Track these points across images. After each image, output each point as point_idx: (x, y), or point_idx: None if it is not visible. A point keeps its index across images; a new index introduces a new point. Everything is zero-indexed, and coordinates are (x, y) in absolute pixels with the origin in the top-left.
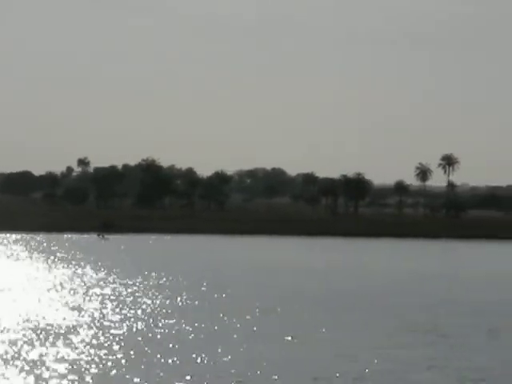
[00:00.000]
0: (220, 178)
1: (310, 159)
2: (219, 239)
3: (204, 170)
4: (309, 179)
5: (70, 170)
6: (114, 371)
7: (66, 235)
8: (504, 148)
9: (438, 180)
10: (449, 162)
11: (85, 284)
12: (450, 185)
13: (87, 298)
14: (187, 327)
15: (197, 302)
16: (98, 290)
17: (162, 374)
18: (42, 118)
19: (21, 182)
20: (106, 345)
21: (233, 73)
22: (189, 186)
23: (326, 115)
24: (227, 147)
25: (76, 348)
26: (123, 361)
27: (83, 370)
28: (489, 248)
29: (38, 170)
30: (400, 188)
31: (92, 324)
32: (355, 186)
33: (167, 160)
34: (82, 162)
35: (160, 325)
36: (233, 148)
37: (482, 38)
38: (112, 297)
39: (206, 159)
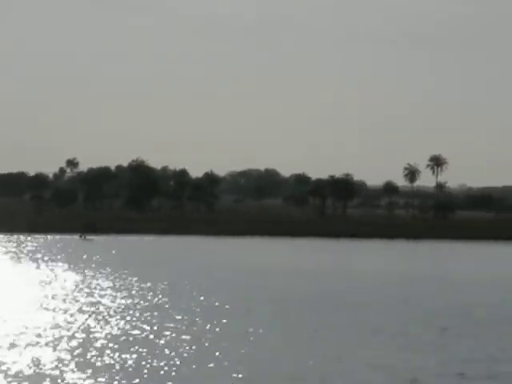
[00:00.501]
0: (210, 180)
1: (304, 160)
2: (207, 240)
3: (198, 172)
4: (300, 180)
5: (62, 171)
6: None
7: (49, 236)
8: (499, 148)
9: (432, 181)
10: (437, 162)
11: (48, 282)
12: (439, 185)
13: (46, 297)
14: (169, 326)
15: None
16: (61, 291)
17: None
18: (40, 119)
19: (14, 184)
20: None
21: (229, 73)
22: (178, 188)
23: (321, 116)
24: (222, 148)
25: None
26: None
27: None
28: (474, 249)
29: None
30: (389, 189)
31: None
32: (343, 187)
33: (161, 161)
34: (71, 163)
35: (139, 325)
36: (227, 149)
37: (477, 38)
38: (79, 298)
39: (200, 160)
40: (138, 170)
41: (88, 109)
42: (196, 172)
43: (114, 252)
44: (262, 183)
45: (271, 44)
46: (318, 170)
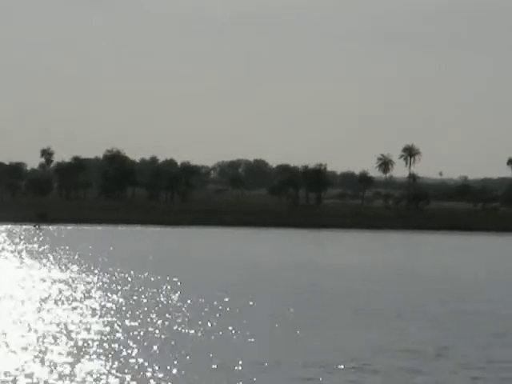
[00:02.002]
0: (186, 170)
1: (291, 151)
2: (174, 230)
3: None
4: (284, 171)
5: (49, 161)
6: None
7: (5, 226)
8: (484, 141)
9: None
10: (410, 153)
11: None
12: (412, 176)
13: None
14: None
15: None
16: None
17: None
18: (16, 108)
19: None
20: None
21: (219, 67)
22: (152, 178)
23: (309, 108)
24: (213, 138)
25: None
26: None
27: None
28: (443, 240)
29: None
30: (364, 179)
31: None
32: (316, 178)
33: (149, 152)
34: (46, 153)
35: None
36: (219, 139)
37: (451, 32)
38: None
39: (190, 150)
40: (114, 160)
41: (69, 98)
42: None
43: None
44: (250, 174)
45: (259, 39)
46: (305, 160)
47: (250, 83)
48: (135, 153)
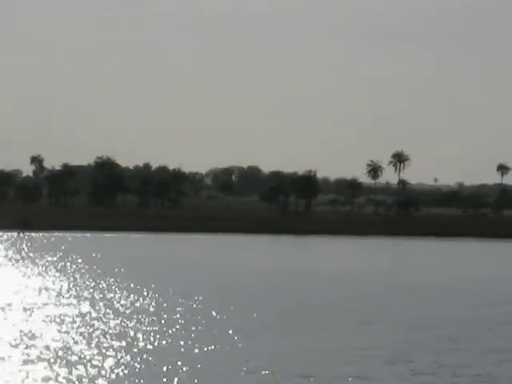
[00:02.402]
0: (175, 177)
1: (286, 157)
2: (161, 237)
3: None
4: (276, 177)
5: (42, 168)
6: None
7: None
8: (481, 146)
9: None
10: (399, 159)
11: None
12: (402, 182)
13: None
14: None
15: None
16: None
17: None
18: (5, 115)
19: None
20: None
21: (214, 72)
22: (142, 184)
23: (303, 114)
24: (207, 145)
25: None
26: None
27: None
28: (433, 245)
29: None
30: (353, 185)
31: None
32: (305, 184)
33: (143, 158)
34: (36, 160)
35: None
36: (213, 146)
37: (440, 35)
38: None
39: (184, 157)
40: (104, 166)
41: (61, 104)
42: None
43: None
44: (244, 180)
45: (254, 43)
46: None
47: (245, 89)
48: (129, 159)
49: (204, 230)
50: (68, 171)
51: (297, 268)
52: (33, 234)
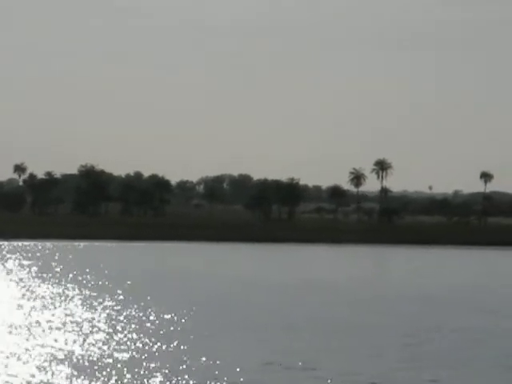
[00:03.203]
0: (158, 184)
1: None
2: (138, 245)
3: (175, 177)
4: (263, 185)
5: (32, 176)
6: None
7: None
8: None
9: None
10: (382, 166)
11: None
12: (384, 190)
13: None
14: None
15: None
16: None
17: None
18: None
19: None
20: None
21: (206, 80)
22: (125, 192)
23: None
24: (198, 153)
25: None
26: None
27: None
28: (413, 253)
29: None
30: (335, 193)
31: None
32: (288, 192)
33: (134, 166)
34: (19, 168)
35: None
36: (206, 154)
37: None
38: None
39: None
40: (88, 175)
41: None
42: (173, 177)
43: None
44: (235, 188)
45: (243, 51)
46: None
47: (237, 98)
48: (120, 168)
49: (185, 238)
50: (51, 180)
51: (252, 277)
52: (14, 243)
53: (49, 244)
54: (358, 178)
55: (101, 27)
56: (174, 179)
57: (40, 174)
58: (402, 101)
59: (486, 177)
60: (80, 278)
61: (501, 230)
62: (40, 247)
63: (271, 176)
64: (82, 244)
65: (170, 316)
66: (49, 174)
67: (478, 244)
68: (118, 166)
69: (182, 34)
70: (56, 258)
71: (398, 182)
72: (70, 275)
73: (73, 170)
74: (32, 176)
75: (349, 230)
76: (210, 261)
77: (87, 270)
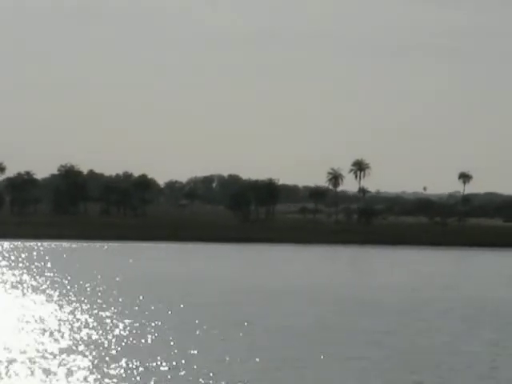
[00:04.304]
0: (139, 185)
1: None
2: (116, 246)
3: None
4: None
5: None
6: None
7: None
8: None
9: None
10: (360, 167)
11: None
12: (362, 190)
13: None
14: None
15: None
16: None
17: None
18: None
19: None
20: None
21: (197, 81)
22: (105, 193)
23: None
24: (188, 153)
25: None
26: None
27: None
28: (387, 254)
29: None
30: (315, 193)
31: None
32: (266, 192)
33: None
34: None
35: None
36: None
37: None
38: None
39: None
40: (67, 175)
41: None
42: (162, 177)
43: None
44: (224, 189)
45: (234, 54)
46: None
47: (225, 99)
48: (111, 169)
49: (162, 238)
50: (31, 180)
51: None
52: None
53: (27, 244)
54: (335, 179)
55: (84, 28)
56: (163, 180)
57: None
58: (384, 102)
59: (464, 178)
60: (43, 279)
61: (478, 230)
62: (19, 247)
63: (261, 176)
64: (57, 244)
65: (127, 318)
66: (28, 173)
67: (454, 244)
68: (108, 166)
69: (169, 36)
70: (33, 257)
71: (385, 183)
72: (41, 275)
73: (51, 170)
74: (11, 178)
75: (326, 230)
76: (179, 262)
77: (55, 270)
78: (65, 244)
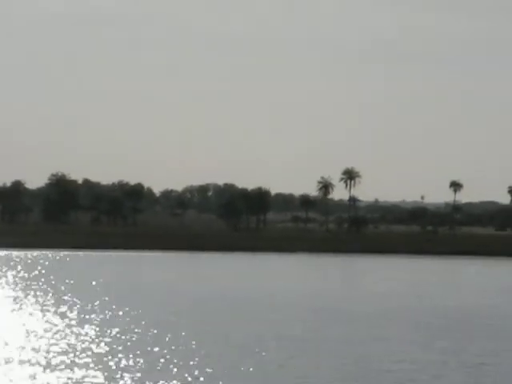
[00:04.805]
0: (130, 193)
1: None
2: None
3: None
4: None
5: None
6: None
7: None
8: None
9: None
10: (350, 176)
11: None
12: (352, 199)
13: None
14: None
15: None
16: None
17: None
18: None
19: None
20: None
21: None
22: (94, 201)
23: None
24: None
25: None
26: None
27: None
28: (380, 262)
29: None
30: (305, 202)
31: None
32: (256, 201)
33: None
34: None
35: None
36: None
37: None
38: None
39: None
40: (58, 184)
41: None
42: (159, 187)
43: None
44: (220, 198)
45: (227, 59)
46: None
47: (220, 106)
48: (106, 177)
49: (152, 247)
50: (21, 188)
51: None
52: None
53: (16, 253)
54: (326, 187)
55: (78, 34)
56: (158, 189)
57: (8, 183)
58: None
59: (455, 186)
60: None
61: (468, 239)
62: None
63: (257, 185)
64: (44, 253)
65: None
66: (18, 182)
67: (443, 253)
68: (105, 175)
69: (164, 41)
70: (21, 267)
71: (384, 192)
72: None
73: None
74: (1, 187)
75: (315, 239)
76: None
77: (42, 280)
78: (50, 253)
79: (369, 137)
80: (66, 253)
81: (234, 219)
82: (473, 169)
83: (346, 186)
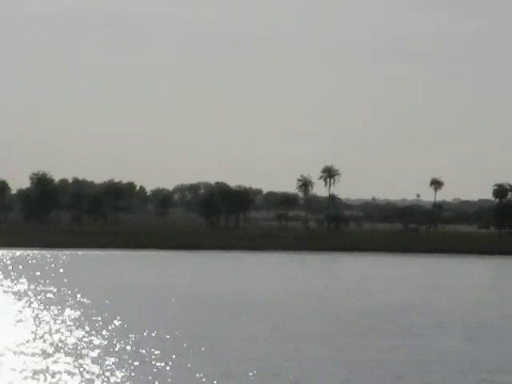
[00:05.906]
0: (110, 192)
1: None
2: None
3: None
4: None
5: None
6: None
7: None
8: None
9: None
10: (329, 174)
11: None
12: (332, 197)
13: None
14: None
15: None
16: None
17: None
18: None
19: None
20: None
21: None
22: (75, 200)
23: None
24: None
25: None
26: None
27: None
28: (358, 260)
29: None
30: (286, 200)
31: None
32: (235, 199)
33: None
34: None
35: None
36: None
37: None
38: None
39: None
40: (39, 182)
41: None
42: (150, 185)
43: None
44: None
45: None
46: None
47: (214, 106)
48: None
49: (131, 246)
50: (1, 187)
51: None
52: None
53: None
54: (305, 185)
55: (70, 34)
56: (150, 187)
57: None
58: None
59: (436, 184)
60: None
61: (449, 237)
62: None
63: (248, 184)
64: (22, 252)
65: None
66: (2, 182)
67: (424, 251)
68: (97, 174)
69: (158, 42)
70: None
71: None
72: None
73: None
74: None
75: (293, 237)
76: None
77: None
78: (29, 252)
79: (366, 134)
80: (44, 252)
81: (213, 217)
82: (473, 169)
83: (326, 183)
